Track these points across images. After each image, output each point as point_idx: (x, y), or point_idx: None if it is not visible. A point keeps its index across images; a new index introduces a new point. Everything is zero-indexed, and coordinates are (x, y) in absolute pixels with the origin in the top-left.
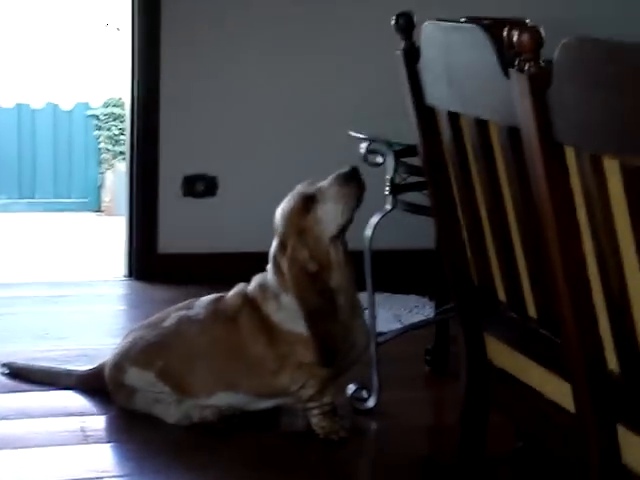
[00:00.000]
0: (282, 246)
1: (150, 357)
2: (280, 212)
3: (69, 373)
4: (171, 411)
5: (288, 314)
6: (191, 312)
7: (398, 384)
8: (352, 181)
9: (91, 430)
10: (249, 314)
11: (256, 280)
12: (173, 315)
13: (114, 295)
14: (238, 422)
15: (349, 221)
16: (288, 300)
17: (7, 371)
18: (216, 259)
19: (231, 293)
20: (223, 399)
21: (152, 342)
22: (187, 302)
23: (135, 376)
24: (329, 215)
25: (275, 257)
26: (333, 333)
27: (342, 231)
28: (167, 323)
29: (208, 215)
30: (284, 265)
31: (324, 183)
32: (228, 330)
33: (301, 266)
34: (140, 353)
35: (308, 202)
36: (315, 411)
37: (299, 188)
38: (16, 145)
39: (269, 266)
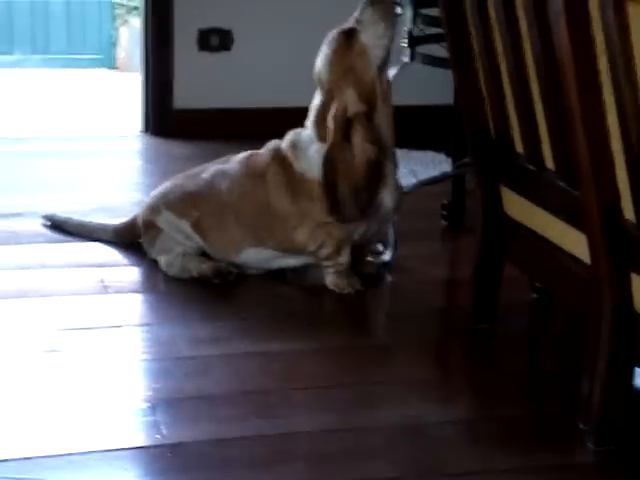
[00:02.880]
0: (329, 95)
1: (186, 206)
2: (322, 59)
3: (105, 227)
4: (175, 263)
5: (314, 163)
6: (226, 166)
7: (415, 238)
8: None
9: (110, 281)
10: (277, 170)
11: (289, 136)
12: (211, 168)
13: (130, 150)
14: (235, 279)
15: (391, 42)
16: (318, 148)
17: (48, 223)
18: (232, 114)
19: (264, 149)
20: (252, 255)
21: (189, 191)
22: (226, 157)
23: (169, 221)
24: (373, 39)
25: (321, 108)
26: (352, 187)
27: (386, 60)
28: (205, 175)
29: (224, 70)
30: (331, 114)
31: (356, 13)
32: (256, 185)
33: (345, 116)
34: (178, 200)
35: (349, 36)
36: (331, 269)
37: (332, 32)
38: (28, 0)
39: (310, 119)
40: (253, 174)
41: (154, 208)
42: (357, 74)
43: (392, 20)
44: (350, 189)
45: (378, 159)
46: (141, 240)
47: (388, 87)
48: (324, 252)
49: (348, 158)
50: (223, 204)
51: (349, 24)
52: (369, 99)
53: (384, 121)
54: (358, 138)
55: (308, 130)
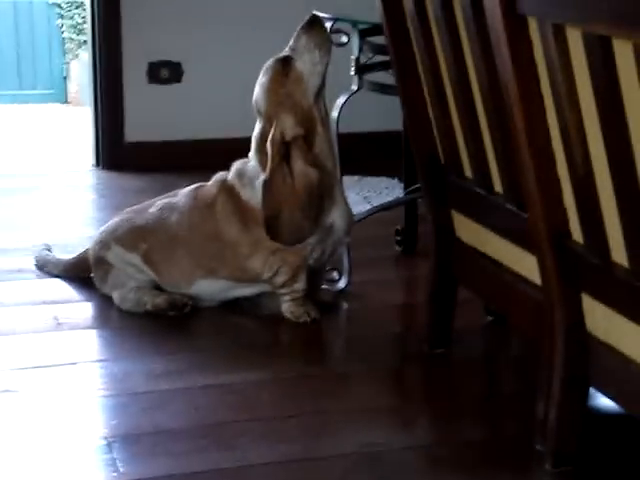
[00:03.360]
0: (268, 122)
1: (135, 240)
2: (259, 88)
3: (58, 261)
4: (129, 297)
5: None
6: (174, 199)
7: (369, 264)
8: (316, 25)
9: (64, 318)
10: (225, 200)
11: (235, 166)
12: (158, 202)
13: (83, 185)
14: (190, 311)
15: (326, 68)
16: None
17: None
18: (184, 146)
19: (211, 181)
20: (205, 287)
21: (137, 225)
22: (174, 192)
23: (119, 255)
24: (308, 66)
25: (260, 135)
26: (293, 211)
27: (322, 87)
28: (152, 209)
29: (174, 102)
30: (269, 139)
31: (291, 42)
32: (205, 216)
33: (283, 140)
34: (127, 234)
35: (284, 64)
36: (287, 297)
37: (268, 61)
38: None
39: (252, 148)
40: (202, 206)
41: (104, 243)
42: (294, 100)
43: (327, 47)
44: (291, 213)
45: (319, 182)
46: (92, 275)
47: (326, 113)
48: (279, 280)
49: (288, 182)
50: (173, 236)
51: (285, 52)
52: (307, 124)
53: (325, 145)
54: (298, 161)
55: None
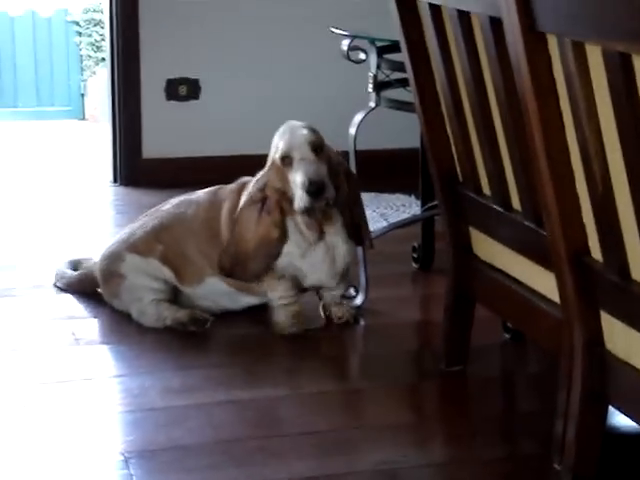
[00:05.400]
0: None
1: (150, 243)
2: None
3: (63, 274)
4: (148, 312)
5: None
6: (192, 196)
7: (386, 281)
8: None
9: (81, 333)
10: (233, 200)
11: (258, 174)
12: (174, 199)
13: (101, 201)
14: (210, 326)
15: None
16: None
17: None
18: (201, 162)
19: (234, 182)
20: (213, 286)
21: (151, 227)
22: (190, 192)
23: (134, 264)
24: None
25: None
26: (238, 252)
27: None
28: (167, 206)
29: (192, 118)
30: (256, 179)
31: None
32: (216, 214)
33: (264, 189)
34: (141, 239)
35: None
36: (274, 303)
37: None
38: None
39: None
40: (216, 203)
41: (115, 256)
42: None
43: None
44: (239, 249)
45: (276, 240)
46: (100, 291)
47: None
48: (263, 285)
49: (249, 226)
50: (187, 230)
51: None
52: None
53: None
54: (265, 216)
55: None
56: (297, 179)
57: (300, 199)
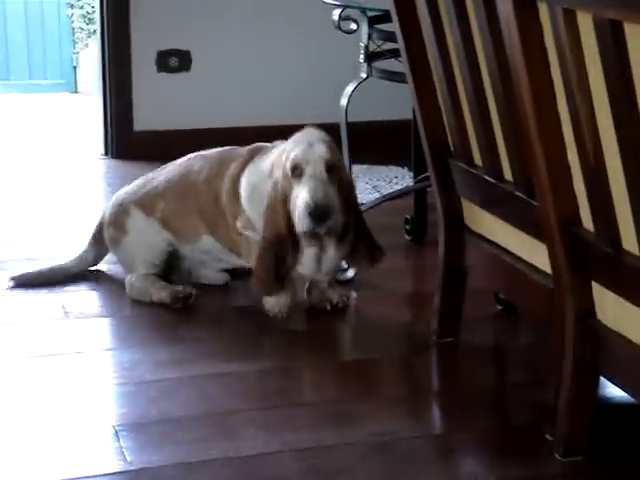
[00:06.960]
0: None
1: (155, 199)
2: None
3: (60, 267)
4: (136, 285)
5: (251, 182)
6: (207, 152)
7: None
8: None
9: (71, 307)
10: (240, 163)
11: (273, 144)
12: (191, 154)
13: (92, 174)
14: (201, 299)
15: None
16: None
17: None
18: (192, 135)
19: (249, 146)
20: (209, 244)
21: (157, 183)
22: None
23: (137, 220)
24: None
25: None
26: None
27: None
28: (180, 160)
29: (183, 90)
30: (274, 205)
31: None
32: (219, 173)
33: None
34: (146, 195)
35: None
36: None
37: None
38: None
39: (274, 160)
40: (224, 161)
41: (123, 208)
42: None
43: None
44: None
45: (270, 258)
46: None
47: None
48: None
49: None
50: (190, 186)
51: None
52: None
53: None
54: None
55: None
56: (302, 196)
57: (301, 221)
